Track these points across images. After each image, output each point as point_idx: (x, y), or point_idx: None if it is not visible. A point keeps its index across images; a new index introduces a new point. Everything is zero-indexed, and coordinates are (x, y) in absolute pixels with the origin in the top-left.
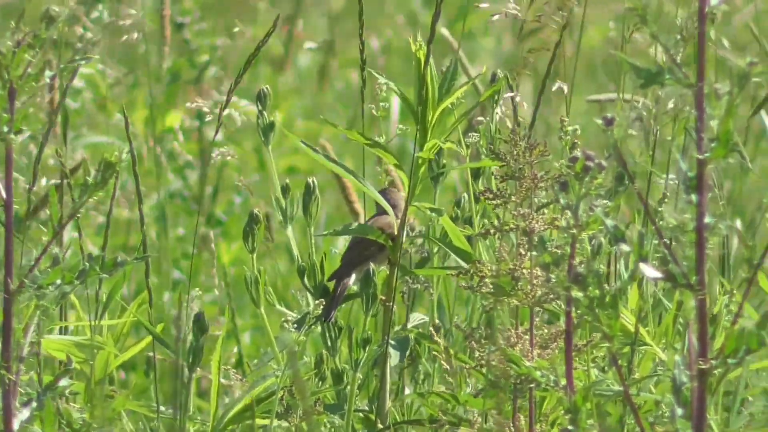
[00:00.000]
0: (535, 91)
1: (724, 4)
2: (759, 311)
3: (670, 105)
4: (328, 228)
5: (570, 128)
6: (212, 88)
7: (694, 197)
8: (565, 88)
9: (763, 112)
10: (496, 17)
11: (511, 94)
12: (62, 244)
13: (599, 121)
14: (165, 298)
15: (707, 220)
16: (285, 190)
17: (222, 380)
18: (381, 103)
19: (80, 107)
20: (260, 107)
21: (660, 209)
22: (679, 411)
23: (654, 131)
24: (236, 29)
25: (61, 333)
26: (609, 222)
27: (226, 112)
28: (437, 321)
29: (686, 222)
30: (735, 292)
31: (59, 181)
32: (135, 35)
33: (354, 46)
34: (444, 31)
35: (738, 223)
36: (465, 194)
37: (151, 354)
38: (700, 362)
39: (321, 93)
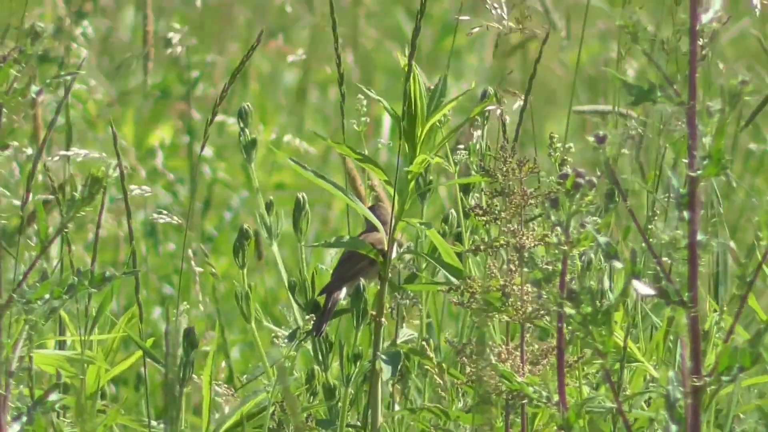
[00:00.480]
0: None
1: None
2: (748, 329)
3: (662, 123)
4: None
5: (559, 145)
6: (201, 104)
7: (686, 214)
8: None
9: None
10: (476, 30)
11: (497, 107)
12: (49, 259)
13: (591, 139)
14: (155, 313)
15: (700, 237)
16: (269, 206)
17: (213, 395)
18: (362, 119)
19: (66, 122)
20: (242, 125)
21: (650, 227)
22: (674, 428)
23: (642, 148)
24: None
25: (55, 348)
26: (602, 239)
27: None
28: (427, 336)
29: (679, 239)
30: (725, 309)
31: (48, 196)
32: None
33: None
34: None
35: (731, 242)
36: (452, 210)
37: (141, 369)
38: (694, 379)
39: (302, 109)
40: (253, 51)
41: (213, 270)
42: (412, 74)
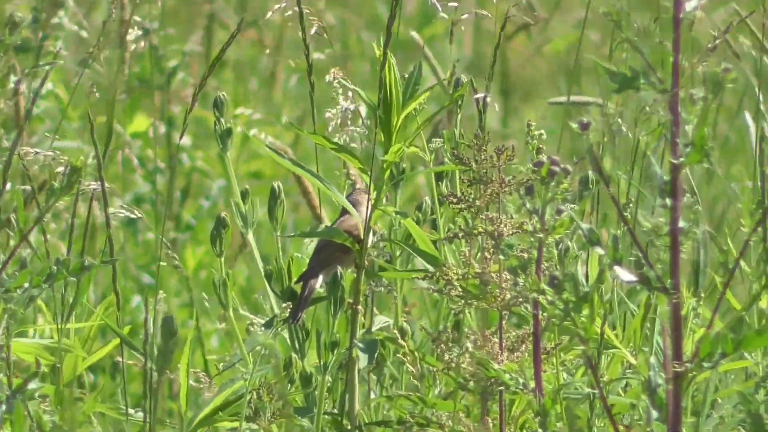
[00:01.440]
0: (500, 95)
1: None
2: (723, 318)
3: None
4: (296, 232)
5: (536, 132)
6: (180, 93)
7: (668, 201)
8: (489, 99)
9: (746, 113)
10: (465, 16)
11: (478, 96)
12: (31, 246)
13: (574, 125)
14: (134, 302)
15: (681, 224)
16: (245, 195)
17: (192, 383)
18: (338, 107)
19: (43, 112)
20: (217, 114)
21: (626, 214)
22: (655, 413)
23: (621, 135)
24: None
25: (34, 336)
26: (584, 225)
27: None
28: (403, 324)
29: (661, 226)
30: (703, 296)
31: (27, 186)
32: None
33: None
34: (413, 34)
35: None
36: (427, 198)
37: (119, 357)
38: (675, 365)
39: (273, 97)
40: (233, 40)
41: (176, 263)
42: (387, 63)
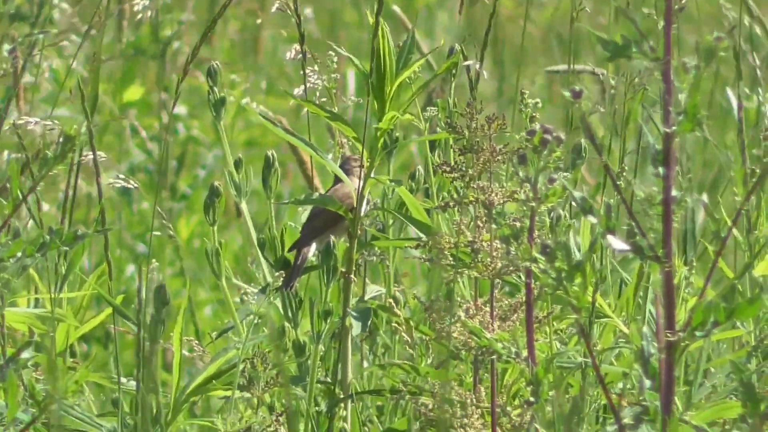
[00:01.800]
0: (494, 65)
1: None
2: (715, 287)
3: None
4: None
5: (530, 101)
6: (175, 61)
7: (661, 170)
8: (478, 66)
9: (728, 90)
10: None
11: (468, 63)
12: (21, 218)
13: (567, 93)
14: (129, 271)
15: (674, 193)
16: (238, 164)
17: (186, 353)
18: (331, 76)
19: (37, 81)
20: (211, 83)
21: (619, 183)
22: (648, 382)
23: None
24: None
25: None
26: (577, 194)
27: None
28: (396, 293)
29: (654, 195)
30: (695, 264)
31: (20, 155)
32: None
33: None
34: (395, 8)
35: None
36: (420, 167)
37: (111, 326)
38: (668, 334)
39: (257, 64)
40: (225, 9)
41: (170, 232)
42: (380, 31)
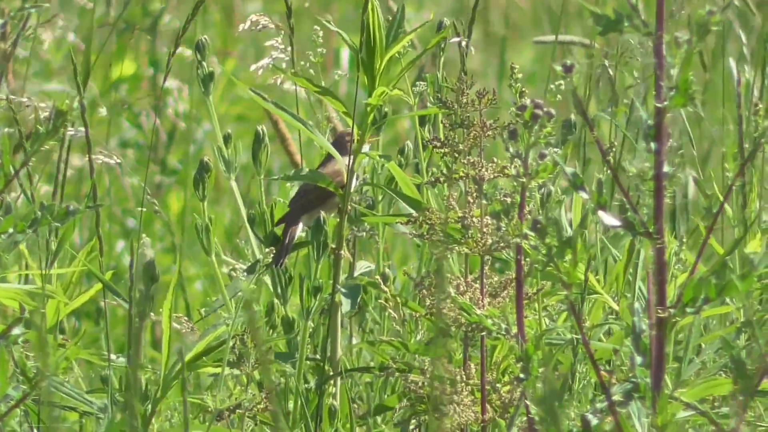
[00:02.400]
0: (484, 38)
1: None
2: (705, 264)
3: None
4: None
5: (519, 76)
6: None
7: (653, 145)
8: (464, 43)
9: (731, 60)
10: None
11: (457, 39)
12: (25, 192)
13: (558, 67)
14: (119, 246)
15: (666, 168)
16: (227, 139)
17: (176, 325)
18: (318, 50)
19: (31, 55)
20: (199, 57)
21: (609, 158)
22: (639, 359)
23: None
24: None
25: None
26: (568, 169)
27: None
28: (385, 269)
29: (646, 170)
30: (685, 240)
31: (11, 129)
32: None
33: None
34: None
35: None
36: (409, 142)
37: (101, 303)
38: (659, 310)
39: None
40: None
41: (156, 208)
42: (370, 5)
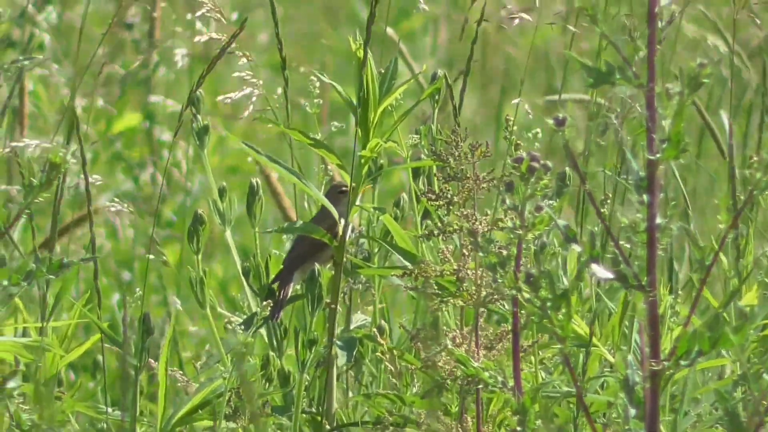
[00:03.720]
0: (479, 90)
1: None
2: (701, 316)
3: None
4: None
5: (515, 128)
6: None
7: (645, 197)
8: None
9: (722, 112)
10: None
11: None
12: (8, 245)
13: (550, 121)
14: (114, 299)
15: (659, 220)
16: (222, 192)
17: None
18: (315, 100)
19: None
20: (194, 111)
21: (603, 210)
22: (633, 411)
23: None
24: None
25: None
26: (561, 222)
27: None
28: (381, 322)
29: (638, 222)
30: (680, 293)
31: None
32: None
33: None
34: (389, 30)
35: (690, 226)
36: (404, 194)
37: (99, 356)
38: (653, 363)
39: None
40: (234, 39)
41: (164, 257)
42: (366, 61)
